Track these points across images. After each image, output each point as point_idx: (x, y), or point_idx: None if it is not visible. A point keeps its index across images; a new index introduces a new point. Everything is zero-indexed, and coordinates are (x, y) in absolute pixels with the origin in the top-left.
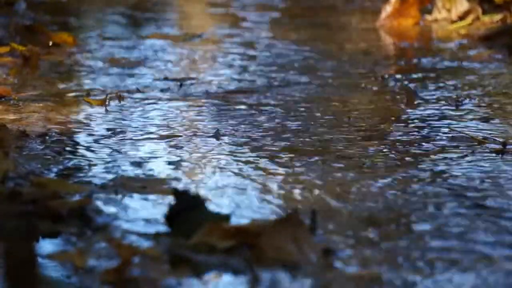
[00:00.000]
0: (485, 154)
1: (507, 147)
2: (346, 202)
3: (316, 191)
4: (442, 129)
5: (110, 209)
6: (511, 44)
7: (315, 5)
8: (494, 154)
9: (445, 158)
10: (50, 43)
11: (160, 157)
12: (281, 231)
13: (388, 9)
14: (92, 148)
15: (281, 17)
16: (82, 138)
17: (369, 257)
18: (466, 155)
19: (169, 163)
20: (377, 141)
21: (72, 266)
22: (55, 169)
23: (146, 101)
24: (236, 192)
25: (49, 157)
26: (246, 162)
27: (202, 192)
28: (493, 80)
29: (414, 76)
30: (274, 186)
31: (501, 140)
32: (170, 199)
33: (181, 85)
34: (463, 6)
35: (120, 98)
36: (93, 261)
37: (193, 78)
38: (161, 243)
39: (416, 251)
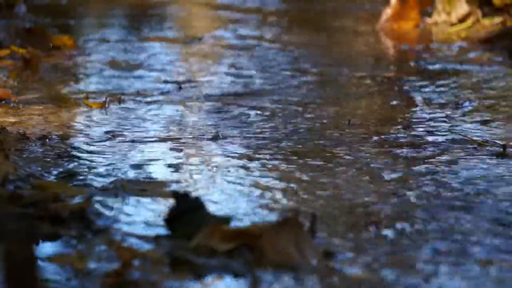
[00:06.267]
0: (485, 157)
1: (507, 150)
2: (346, 204)
3: (317, 194)
4: (442, 131)
5: (110, 212)
6: (511, 46)
7: (316, 9)
8: (494, 157)
9: (445, 160)
10: (50, 46)
11: (160, 159)
12: (281, 234)
13: (388, 12)
14: (92, 151)
15: (281, 21)
16: (82, 140)
17: (370, 260)
18: (466, 158)
19: (169, 165)
20: (377, 143)
21: (72, 268)
22: (55, 172)
23: (146, 104)
24: (236, 195)
25: (49, 159)
26: (246, 165)
27: (202, 195)
28: (493, 82)
29: (414, 78)
30: (274, 189)
31: (501, 143)
32: (170, 201)
33: (180, 88)
34: (463, 9)
35: (120, 100)
36: (93, 264)
37: (192, 81)
38: (162, 245)
39: (417, 253)
